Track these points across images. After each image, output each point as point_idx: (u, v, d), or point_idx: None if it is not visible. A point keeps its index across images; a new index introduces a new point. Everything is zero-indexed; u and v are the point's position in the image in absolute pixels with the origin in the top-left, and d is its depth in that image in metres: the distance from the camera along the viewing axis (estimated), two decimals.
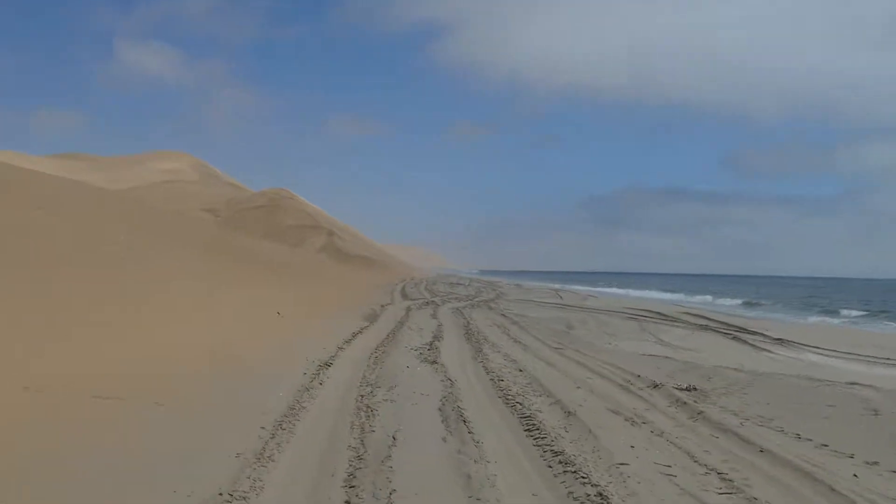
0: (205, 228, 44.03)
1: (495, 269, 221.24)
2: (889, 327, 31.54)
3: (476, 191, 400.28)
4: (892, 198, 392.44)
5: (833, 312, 40.41)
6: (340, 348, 12.05)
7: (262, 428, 6.76)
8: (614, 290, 68.89)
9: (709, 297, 54.91)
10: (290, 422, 7.11)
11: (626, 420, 7.94)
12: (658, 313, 27.81)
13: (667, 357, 13.77)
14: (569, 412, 8.10)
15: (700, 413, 8.29)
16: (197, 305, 13.18)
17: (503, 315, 22.19)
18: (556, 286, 66.04)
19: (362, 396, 8.48)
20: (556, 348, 14.05)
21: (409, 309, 22.49)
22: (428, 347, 12.86)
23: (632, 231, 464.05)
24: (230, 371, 9.27)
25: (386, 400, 8.40)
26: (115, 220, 20.31)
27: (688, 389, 9.86)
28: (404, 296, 30.44)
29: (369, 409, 7.83)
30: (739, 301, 50.92)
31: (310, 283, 33.01)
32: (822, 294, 70.12)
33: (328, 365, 10.42)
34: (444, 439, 6.82)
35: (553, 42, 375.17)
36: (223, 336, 11.37)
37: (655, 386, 9.99)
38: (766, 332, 20.95)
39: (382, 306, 22.59)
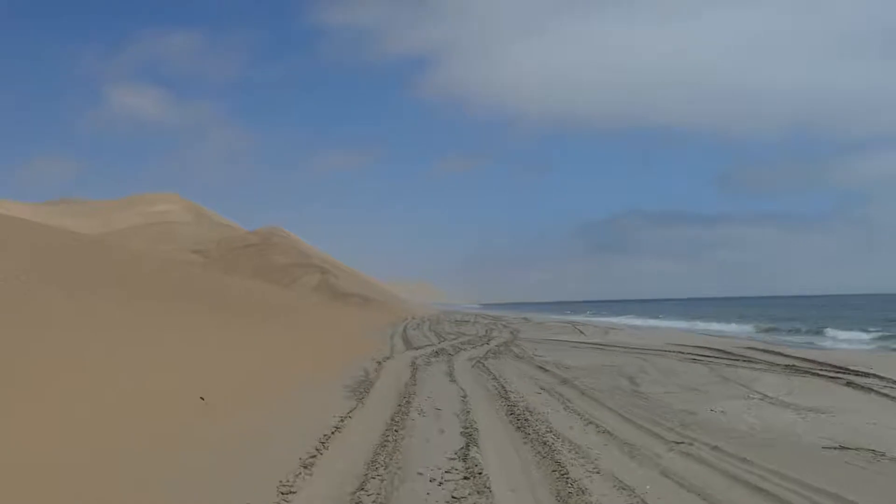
0: (171, 270, 38.47)
1: (495, 303, 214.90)
2: None
3: (471, 223, 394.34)
4: (884, 210, 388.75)
5: None
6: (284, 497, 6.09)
7: None
8: (628, 320, 63.16)
9: (734, 325, 49.26)
10: None
11: None
12: (717, 350, 22.21)
13: (832, 442, 8.17)
14: None
15: None
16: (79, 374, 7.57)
17: (541, 368, 16.46)
18: (570, 318, 60.27)
19: None
20: (676, 444, 8.29)
21: (414, 365, 16.77)
22: (463, 473, 6.76)
23: (628, 257, 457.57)
24: None
25: None
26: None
27: None
28: (406, 342, 24.71)
29: None
30: (766, 325, 45.42)
31: (294, 329, 27.31)
32: (840, 313, 64.47)
33: None
34: None
35: (542, 69, 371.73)
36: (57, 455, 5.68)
37: None
38: (881, 374, 15.41)
39: (379, 363, 16.85)
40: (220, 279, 57.38)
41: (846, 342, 33.23)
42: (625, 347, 23.76)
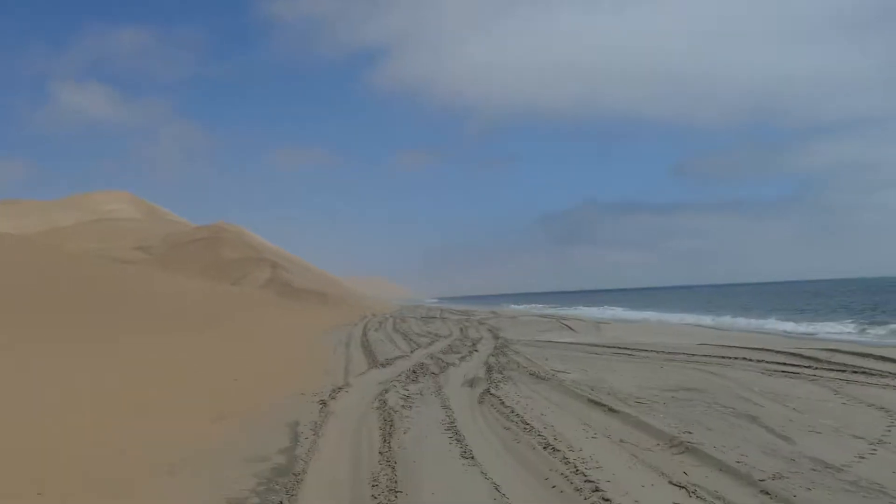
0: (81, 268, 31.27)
1: (452, 296, 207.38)
2: None
3: (428, 217, 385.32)
4: (841, 196, 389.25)
5: None
6: None
7: None
8: (606, 311, 57.03)
9: (728, 317, 43.38)
10: None
11: None
12: (793, 355, 15.87)
13: None
14: None
15: None
16: None
17: (594, 402, 9.70)
18: (545, 311, 53.77)
19: None
20: None
21: (384, 405, 9.91)
22: None
23: (588, 248, 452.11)
24: None
25: None
26: None
27: None
28: (368, 353, 17.76)
29: None
30: (775, 317, 39.62)
31: (217, 339, 20.30)
32: (825, 300, 59.31)
33: None
34: None
35: (497, 60, 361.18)
36: None
37: None
38: None
39: (324, 404, 10.00)
40: (150, 279, 49.85)
41: None
42: (658, 352, 17.31)
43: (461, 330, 28.95)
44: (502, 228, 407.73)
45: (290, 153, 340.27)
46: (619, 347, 18.79)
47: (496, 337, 23.82)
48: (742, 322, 35.05)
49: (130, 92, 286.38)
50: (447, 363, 15.07)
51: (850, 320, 32.33)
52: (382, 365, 14.92)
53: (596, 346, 19.64)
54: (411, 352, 17.86)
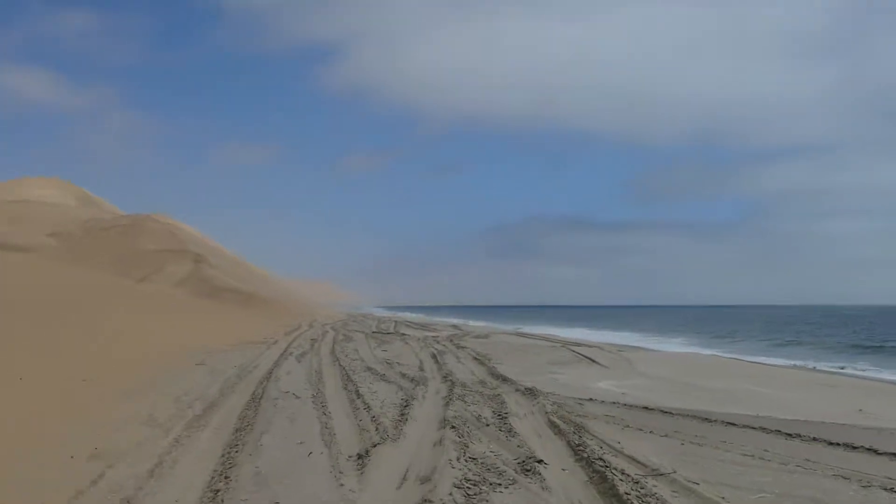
0: None
1: (398, 305, 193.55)
2: None
3: (376, 222, 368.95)
4: (786, 223, 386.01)
5: None
6: None
7: None
8: (588, 332, 46.50)
9: (685, 338, 33.31)
10: None
11: None
12: None
13: None
14: None
15: None
16: None
17: None
18: (525, 330, 42.61)
19: None
20: None
21: None
22: None
23: (535, 262, 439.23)
24: None
25: None
26: None
27: None
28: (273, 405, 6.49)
29: None
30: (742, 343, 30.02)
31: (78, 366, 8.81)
32: (785, 328, 50.15)
33: None
34: None
35: (451, 64, 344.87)
36: None
37: None
38: None
39: None
40: (34, 270, 38.08)
41: None
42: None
43: (434, 358, 17.88)
44: (447, 238, 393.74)
45: (237, 148, 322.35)
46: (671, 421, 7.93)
47: (502, 379, 12.89)
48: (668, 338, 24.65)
49: (74, 78, 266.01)
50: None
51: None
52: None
53: (702, 418, 8.75)
54: (359, 475, 6.60)
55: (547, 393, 11.06)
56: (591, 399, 10.83)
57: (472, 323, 53.19)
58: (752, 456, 6.59)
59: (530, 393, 10.74)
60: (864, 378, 19.85)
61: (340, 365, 14.42)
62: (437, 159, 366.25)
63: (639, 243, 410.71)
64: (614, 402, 10.48)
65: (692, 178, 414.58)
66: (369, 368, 14.23)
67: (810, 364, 24.31)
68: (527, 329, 45.35)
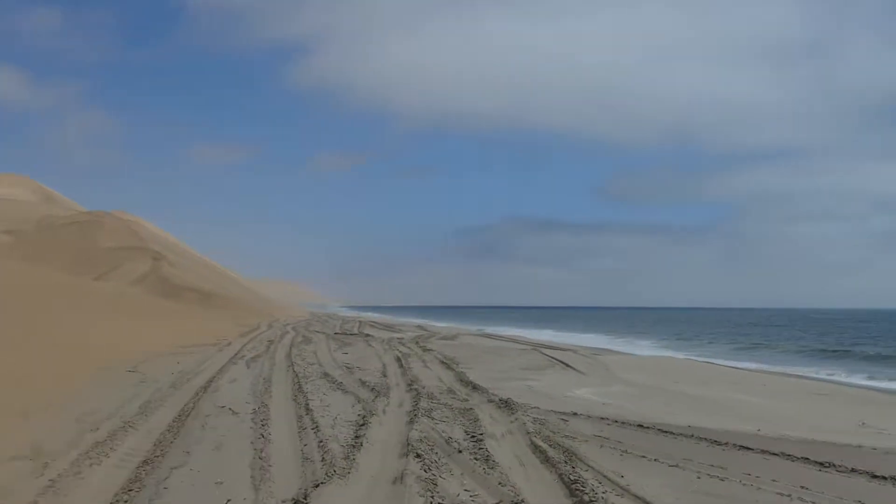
0: None
1: (365, 305, 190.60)
2: None
3: (346, 222, 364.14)
4: (757, 226, 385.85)
5: None
6: None
7: None
8: (541, 333, 45.39)
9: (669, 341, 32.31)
10: None
11: None
12: None
13: None
14: None
15: None
16: None
17: None
18: (489, 331, 41.18)
19: None
20: None
21: None
22: None
23: (505, 264, 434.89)
24: None
25: None
26: None
27: None
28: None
29: None
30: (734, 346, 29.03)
31: None
32: (765, 332, 49.71)
33: None
34: None
35: (423, 64, 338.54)
36: None
37: None
38: None
39: None
40: None
41: None
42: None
43: (398, 362, 16.43)
44: (417, 238, 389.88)
45: (206, 149, 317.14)
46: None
47: (473, 386, 11.51)
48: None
49: (39, 75, 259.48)
50: None
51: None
52: None
53: (711, 440, 7.42)
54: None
55: (525, 406, 9.66)
56: (574, 413, 9.45)
57: (438, 324, 51.68)
58: (790, 496, 5.24)
59: (506, 406, 9.32)
60: (852, 385, 18.84)
61: (294, 371, 12.87)
62: (410, 159, 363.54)
63: (610, 245, 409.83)
64: (603, 418, 9.11)
65: (664, 180, 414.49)
66: (326, 375, 12.70)
67: (779, 368, 23.35)
68: (493, 330, 44.00)
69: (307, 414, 8.28)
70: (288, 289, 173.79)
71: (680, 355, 29.32)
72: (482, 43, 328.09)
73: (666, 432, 7.94)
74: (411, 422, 7.88)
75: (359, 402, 9.31)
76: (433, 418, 8.14)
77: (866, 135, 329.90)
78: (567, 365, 18.46)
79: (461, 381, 13.38)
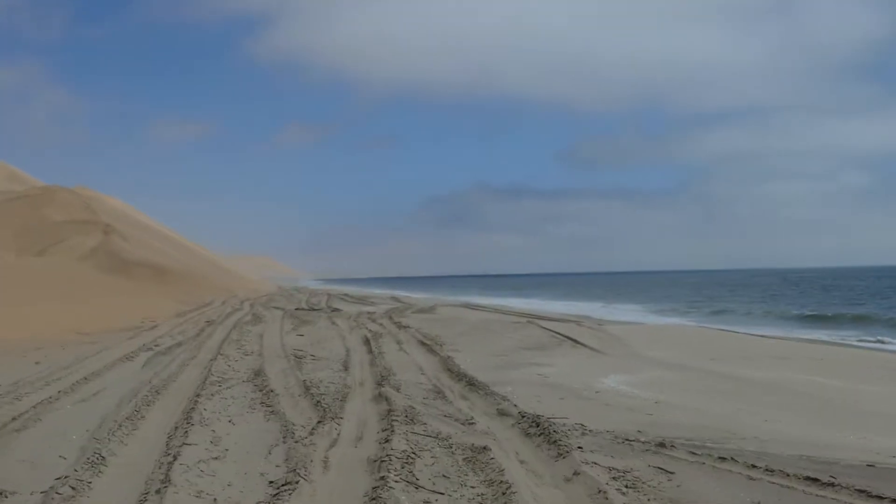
0: None
1: (335, 278, 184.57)
2: None
3: (313, 195, 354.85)
4: (725, 187, 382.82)
5: None
6: None
7: None
8: (529, 301, 41.67)
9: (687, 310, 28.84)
10: None
11: None
12: None
13: None
14: None
15: None
16: None
17: None
18: (465, 300, 37.13)
19: None
20: None
21: None
22: None
23: (475, 232, 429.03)
24: None
25: None
26: None
27: None
28: None
29: None
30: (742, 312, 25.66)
31: None
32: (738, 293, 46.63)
33: None
34: None
35: (383, 32, 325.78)
36: None
37: None
38: None
39: None
40: None
41: None
42: None
43: (367, 344, 12.48)
44: (388, 209, 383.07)
45: (170, 124, 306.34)
46: None
47: (468, 382, 7.63)
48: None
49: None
50: None
51: None
52: None
53: None
54: None
55: (567, 427, 5.74)
56: (661, 445, 5.51)
57: (413, 295, 47.59)
58: None
59: (543, 435, 5.36)
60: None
61: (211, 370, 8.77)
62: (375, 130, 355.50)
63: (579, 210, 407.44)
64: (702, 445, 5.21)
65: (632, 143, 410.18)
66: (258, 374, 8.65)
67: (812, 335, 19.77)
68: (472, 300, 40.00)
69: (166, 486, 4.21)
70: (260, 263, 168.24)
71: (688, 322, 25.72)
72: (443, 9, 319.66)
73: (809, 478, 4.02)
74: (374, 489, 3.92)
75: (284, 438, 5.26)
76: (416, 481, 4.15)
77: (833, 92, 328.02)
78: (576, 341, 14.62)
79: (450, 371, 9.45)
